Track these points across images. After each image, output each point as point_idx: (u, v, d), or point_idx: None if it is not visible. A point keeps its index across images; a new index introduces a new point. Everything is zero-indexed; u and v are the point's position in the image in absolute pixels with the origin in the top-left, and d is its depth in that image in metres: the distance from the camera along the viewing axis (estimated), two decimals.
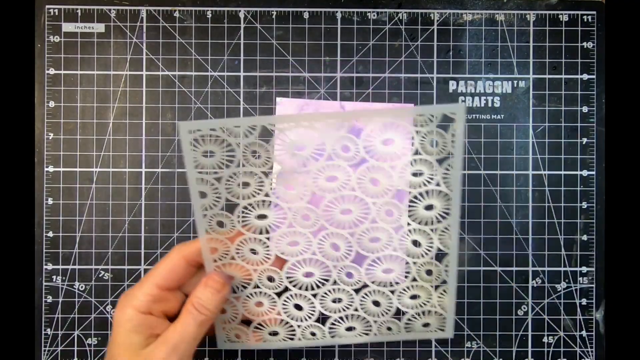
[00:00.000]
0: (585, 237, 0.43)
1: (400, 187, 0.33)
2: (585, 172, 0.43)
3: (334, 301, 0.37)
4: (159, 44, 0.42)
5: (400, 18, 0.43)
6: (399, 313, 0.38)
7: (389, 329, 0.38)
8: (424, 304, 0.37)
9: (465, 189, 0.43)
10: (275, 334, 0.37)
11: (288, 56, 0.43)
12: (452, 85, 0.43)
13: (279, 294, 0.36)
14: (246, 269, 0.35)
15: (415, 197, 0.34)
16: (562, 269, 0.43)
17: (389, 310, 0.37)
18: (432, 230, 0.35)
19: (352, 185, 0.33)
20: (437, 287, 0.36)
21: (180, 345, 0.31)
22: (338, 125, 0.32)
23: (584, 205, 0.43)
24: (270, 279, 0.36)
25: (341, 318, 0.37)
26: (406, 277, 0.36)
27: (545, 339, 0.43)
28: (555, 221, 0.43)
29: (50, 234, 0.42)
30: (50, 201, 0.42)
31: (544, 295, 0.43)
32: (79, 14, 0.42)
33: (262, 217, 0.34)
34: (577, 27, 0.43)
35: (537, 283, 0.43)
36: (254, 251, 0.35)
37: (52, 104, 0.42)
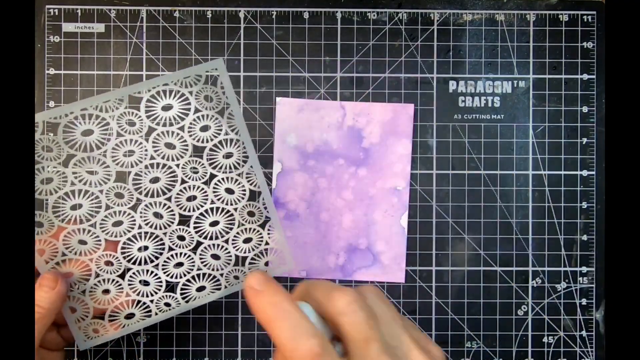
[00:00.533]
0: (585, 237, 0.43)
1: (194, 144, 0.35)
2: (585, 172, 0.43)
3: (176, 266, 0.37)
4: (159, 44, 0.42)
5: (400, 18, 0.43)
6: (242, 262, 0.38)
7: (236, 277, 0.38)
8: (258, 245, 0.38)
9: (466, 189, 0.43)
10: (131, 316, 0.38)
11: (288, 56, 0.43)
12: (452, 85, 0.43)
13: (122, 276, 0.37)
14: (81, 261, 0.36)
15: (212, 150, 0.36)
16: (562, 269, 0.43)
17: (229, 260, 0.38)
18: (238, 175, 0.37)
19: (150, 154, 0.35)
20: (263, 225, 0.38)
21: None
22: (119, 103, 0.34)
23: (584, 205, 0.43)
24: (109, 264, 0.36)
25: (188, 281, 0.38)
26: (232, 224, 0.37)
27: (545, 339, 0.43)
28: (555, 221, 0.43)
29: None
30: None
31: (544, 295, 0.43)
32: (79, 14, 0.42)
33: (76, 207, 0.35)
34: (577, 27, 0.43)
35: (537, 283, 0.43)
36: (83, 242, 0.36)
37: (52, 104, 0.42)
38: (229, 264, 0.38)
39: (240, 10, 0.43)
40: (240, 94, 0.43)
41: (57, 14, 0.42)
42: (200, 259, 0.38)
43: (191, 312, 0.42)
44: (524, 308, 0.43)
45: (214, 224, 0.37)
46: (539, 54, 0.43)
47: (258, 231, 0.38)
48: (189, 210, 0.37)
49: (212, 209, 0.37)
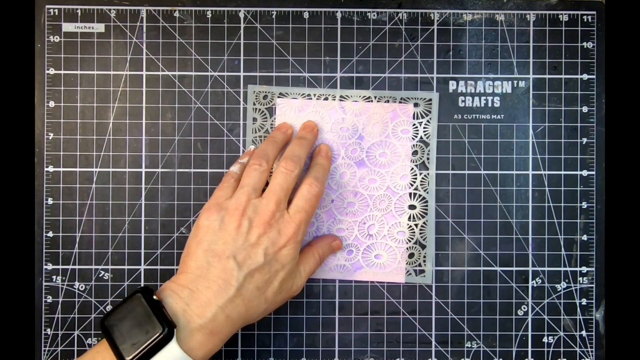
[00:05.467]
0: (585, 237, 0.43)
1: (391, 187, 0.42)
2: (585, 172, 0.43)
3: None
4: (159, 44, 0.42)
5: (400, 18, 0.43)
6: None
7: None
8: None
9: (465, 189, 0.43)
10: None
11: (288, 56, 0.43)
12: (452, 85, 0.43)
13: None
14: None
15: (400, 197, 0.42)
16: (562, 269, 0.43)
17: None
18: (415, 225, 0.42)
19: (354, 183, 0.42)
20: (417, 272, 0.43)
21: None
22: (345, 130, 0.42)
23: (584, 205, 0.43)
24: None
25: None
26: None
27: (545, 339, 0.43)
28: (555, 221, 0.43)
29: (50, 234, 0.42)
30: (50, 201, 0.42)
31: (544, 295, 0.43)
32: (79, 14, 0.42)
33: None
34: (577, 27, 0.43)
35: (537, 283, 0.43)
36: None
37: (52, 104, 0.42)
38: None
39: (240, 10, 0.43)
40: (240, 94, 0.43)
41: (57, 14, 0.42)
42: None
43: None
44: (524, 308, 0.43)
45: (378, 256, 0.43)
46: (539, 54, 0.43)
47: (410, 273, 0.43)
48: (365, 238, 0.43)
49: (380, 243, 0.42)
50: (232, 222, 0.35)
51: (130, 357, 0.30)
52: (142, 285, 0.42)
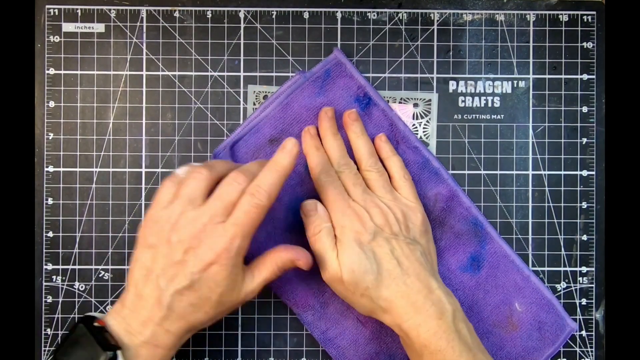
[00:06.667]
0: (585, 237, 0.43)
1: None
2: (585, 172, 0.43)
3: None
4: (159, 44, 0.42)
5: (400, 18, 0.43)
6: None
7: None
8: None
9: (466, 189, 0.43)
10: None
11: (288, 56, 0.43)
12: (452, 85, 0.43)
13: None
14: None
15: None
16: (562, 269, 0.43)
17: None
18: None
19: None
20: None
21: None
22: None
23: (584, 205, 0.43)
24: None
25: None
26: None
27: None
28: (555, 221, 0.43)
29: (50, 234, 0.42)
30: (50, 201, 0.42)
31: None
32: (79, 14, 0.42)
33: None
34: (577, 27, 0.43)
35: None
36: None
37: (52, 104, 0.42)
38: None
39: (240, 10, 0.43)
40: (240, 94, 0.43)
41: (57, 14, 0.42)
42: None
43: None
44: None
45: None
46: (539, 54, 0.43)
47: None
48: None
49: None
50: (162, 237, 0.33)
51: None
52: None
